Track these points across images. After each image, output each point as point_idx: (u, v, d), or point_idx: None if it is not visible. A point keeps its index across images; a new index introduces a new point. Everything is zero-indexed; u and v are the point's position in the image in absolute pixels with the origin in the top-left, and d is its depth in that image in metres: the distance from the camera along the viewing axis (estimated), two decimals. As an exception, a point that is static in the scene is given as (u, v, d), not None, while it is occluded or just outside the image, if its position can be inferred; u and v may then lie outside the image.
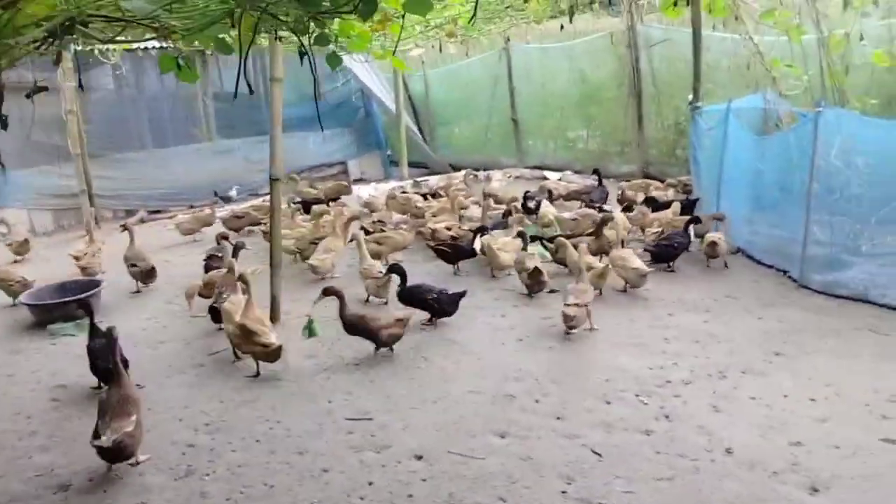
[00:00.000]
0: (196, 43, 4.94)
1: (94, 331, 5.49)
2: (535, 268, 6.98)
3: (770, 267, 7.66)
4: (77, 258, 8.75)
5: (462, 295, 6.48)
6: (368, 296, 7.38)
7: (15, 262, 9.93)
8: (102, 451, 4.14)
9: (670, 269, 7.79)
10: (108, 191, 13.34)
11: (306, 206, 11.17)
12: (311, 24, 4.25)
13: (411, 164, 16.08)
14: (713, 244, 7.66)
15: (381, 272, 7.20)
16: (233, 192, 14.11)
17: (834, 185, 6.87)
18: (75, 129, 11.64)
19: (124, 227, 9.22)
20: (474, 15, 4.85)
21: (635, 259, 7.05)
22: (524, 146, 15.06)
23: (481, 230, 8.00)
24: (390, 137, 16.46)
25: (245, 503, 3.95)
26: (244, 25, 3.29)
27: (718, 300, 6.81)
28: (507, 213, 9.16)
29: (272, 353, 5.50)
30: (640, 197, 9.95)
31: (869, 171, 6.66)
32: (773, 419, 4.49)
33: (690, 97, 9.70)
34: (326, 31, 4.64)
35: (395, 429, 4.67)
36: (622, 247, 7.80)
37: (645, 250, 7.97)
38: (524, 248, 7.37)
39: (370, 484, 4.05)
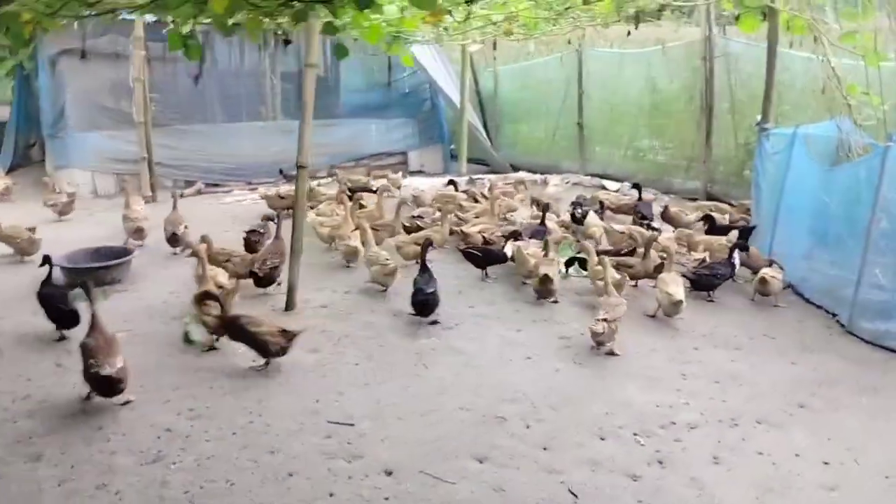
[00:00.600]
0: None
1: (48, 279, 6.12)
2: (545, 275, 6.75)
3: (820, 308, 7.12)
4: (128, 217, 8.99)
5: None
6: (373, 280, 7.38)
7: (59, 221, 10.28)
8: (101, 382, 4.60)
9: (710, 300, 7.35)
10: (171, 160, 13.62)
11: (353, 192, 11.13)
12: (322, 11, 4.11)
13: (473, 161, 15.87)
14: (764, 281, 7.16)
15: (387, 259, 7.18)
16: (291, 172, 14.21)
17: (900, 225, 6.32)
18: (141, 97, 11.92)
19: (176, 196, 9.54)
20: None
21: (676, 285, 6.65)
22: (588, 152, 14.61)
23: (514, 235, 7.75)
24: (454, 132, 16.26)
25: (201, 498, 3.87)
26: (216, 5, 3.16)
27: (754, 338, 6.36)
28: (543, 219, 8.79)
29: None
30: (687, 216, 9.50)
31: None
32: (776, 480, 4.10)
33: (759, 117, 9.15)
34: (335, 20, 4.49)
35: (373, 439, 4.51)
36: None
37: (683, 276, 7.53)
38: (545, 254, 7.14)
39: (331, 495, 3.91)
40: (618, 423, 4.72)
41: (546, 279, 6.77)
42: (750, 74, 11.10)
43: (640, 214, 9.88)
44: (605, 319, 5.70)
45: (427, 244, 7.12)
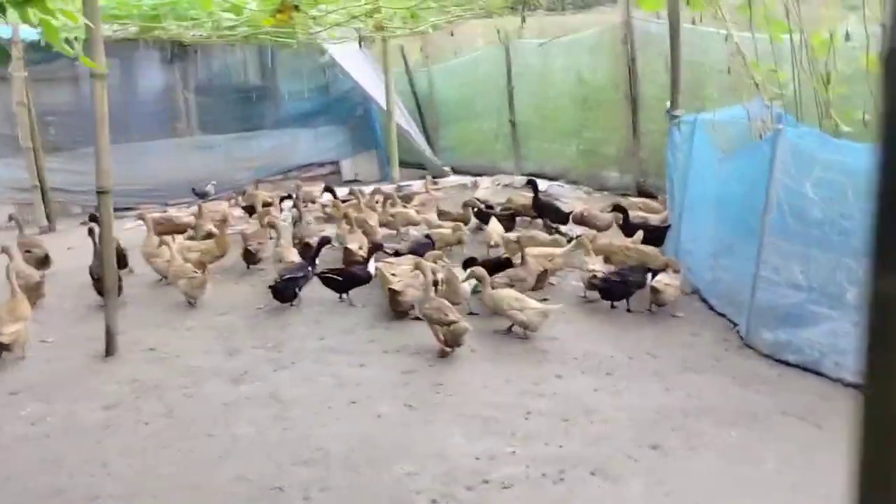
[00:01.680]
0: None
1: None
2: (391, 289, 5.97)
3: (722, 317, 6.31)
4: None
5: None
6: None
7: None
8: None
9: (627, 310, 6.54)
10: (77, 186, 12.87)
11: (249, 209, 10.35)
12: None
13: (409, 166, 15.08)
14: (655, 290, 6.35)
15: (194, 272, 6.89)
16: (209, 188, 13.44)
17: (801, 214, 5.49)
18: (26, 121, 11.14)
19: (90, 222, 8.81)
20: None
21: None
22: (523, 151, 13.80)
23: (375, 248, 6.95)
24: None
25: None
26: None
27: (633, 359, 5.54)
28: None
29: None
30: (604, 216, 8.69)
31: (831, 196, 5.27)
32: (580, 560, 3.29)
33: (668, 104, 8.34)
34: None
35: (113, 525, 3.71)
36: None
37: (590, 282, 6.71)
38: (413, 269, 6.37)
39: None
40: (418, 487, 3.90)
41: (393, 294, 5.99)
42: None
43: (536, 214, 9.09)
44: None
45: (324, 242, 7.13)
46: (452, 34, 14.01)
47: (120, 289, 6.71)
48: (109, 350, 5.92)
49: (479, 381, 5.19)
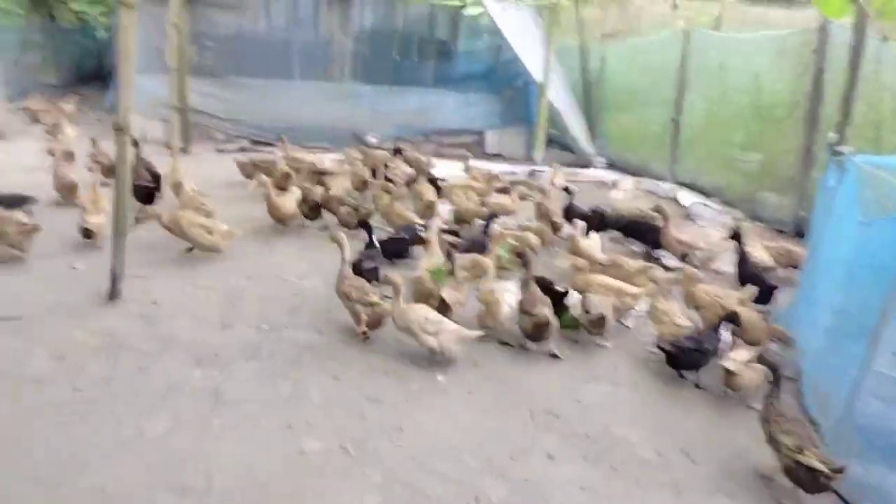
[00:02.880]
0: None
1: None
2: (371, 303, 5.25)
3: (807, 414, 4.83)
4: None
5: None
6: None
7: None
8: None
9: (696, 385, 5.26)
10: (224, 113, 13.16)
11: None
12: None
13: (565, 148, 13.97)
14: (729, 373, 4.97)
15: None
16: (371, 138, 13.19)
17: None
18: (175, 42, 11.36)
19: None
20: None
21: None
22: (679, 155, 12.12)
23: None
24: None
25: None
26: None
27: (661, 455, 4.31)
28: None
29: None
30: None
31: None
32: None
33: (832, 135, 6.63)
34: None
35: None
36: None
37: (658, 347, 5.44)
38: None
39: None
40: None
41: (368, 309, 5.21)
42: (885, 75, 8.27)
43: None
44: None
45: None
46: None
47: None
48: (113, 294, 5.65)
49: (448, 435, 4.26)
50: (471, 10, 13.48)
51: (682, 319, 5.60)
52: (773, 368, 4.28)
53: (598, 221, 8.10)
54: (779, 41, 9.75)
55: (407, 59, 14.28)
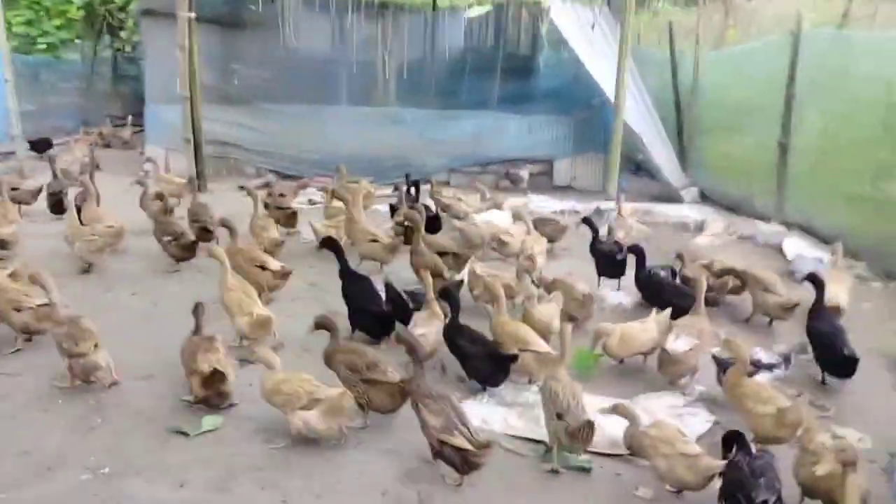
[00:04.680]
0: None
1: None
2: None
3: None
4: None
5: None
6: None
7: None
8: None
9: None
10: (255, 144, 11.87)
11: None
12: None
13: (652, 179, 11.68)
14: None
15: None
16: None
17: None
18: (185, 67, 10.10)
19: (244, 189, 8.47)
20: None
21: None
22: (790, 190, 9.44)
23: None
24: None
25: None
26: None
27: None
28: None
29: None
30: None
31: None
32: None
33: None
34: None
35: None
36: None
37: None
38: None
39: None
40: None
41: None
42: None
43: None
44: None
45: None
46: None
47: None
48: None
49: None
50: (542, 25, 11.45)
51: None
52: (412, 349, 3.98)
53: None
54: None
55: (457, 78, 12.42)
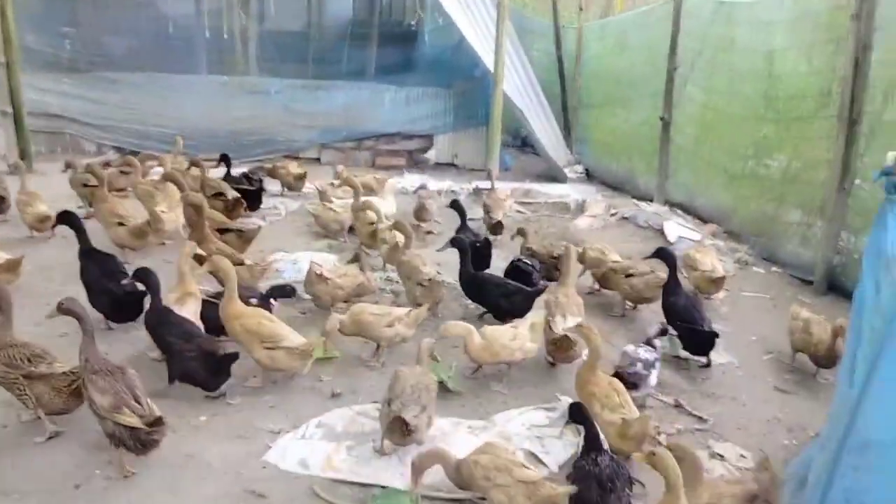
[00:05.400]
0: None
1: None
2: None
3: None
4: None
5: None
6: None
7: None
8: None
9: None
10: (94, 118, 10.44)
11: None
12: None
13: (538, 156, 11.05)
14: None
15: None
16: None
17: None
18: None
19: (68, 165, 7.61)
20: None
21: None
22: (671, 168, 9.04)
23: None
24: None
25: None
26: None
27: None
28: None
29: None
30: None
31: None
32: None
33: (892, 156, 3.61)
34: None
35: None
36: None
37: None
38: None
39: None
40: None
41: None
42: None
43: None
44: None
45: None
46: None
47: None
48: None
49: None
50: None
51: None
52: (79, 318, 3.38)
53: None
54: (793, 5, 6.70)
55: (327, 46, 11.39)
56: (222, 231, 5.86)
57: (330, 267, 5.37)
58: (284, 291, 4.77)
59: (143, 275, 4.12)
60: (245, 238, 6.01)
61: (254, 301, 4.53)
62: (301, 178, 8.69)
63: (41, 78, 9.93)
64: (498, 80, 9.92)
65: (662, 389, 4.37)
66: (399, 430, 3.41)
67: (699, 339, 4.72)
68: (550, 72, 11.97)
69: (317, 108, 10.98)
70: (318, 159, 11.05)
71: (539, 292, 4.68)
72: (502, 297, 5.01)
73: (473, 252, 5.61)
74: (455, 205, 6.48)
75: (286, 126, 10.87)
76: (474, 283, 5.17)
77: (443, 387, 4.12)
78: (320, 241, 7.00)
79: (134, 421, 3.09)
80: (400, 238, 5.66)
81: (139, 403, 3.13)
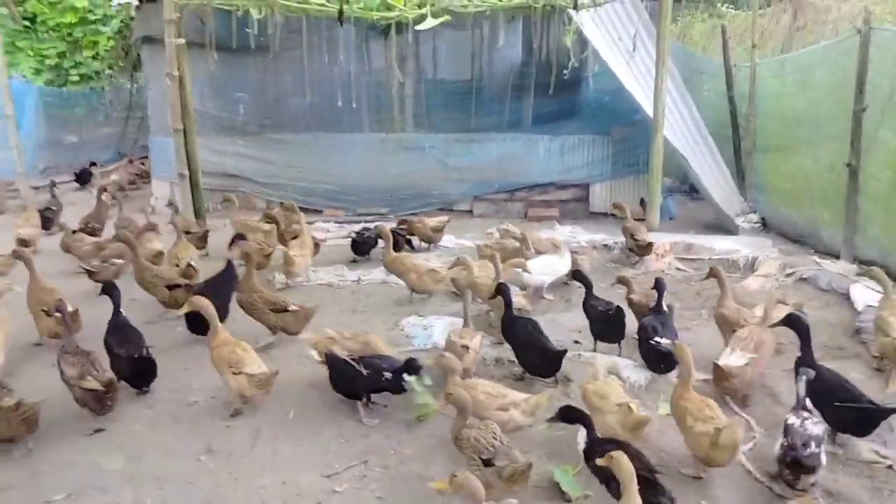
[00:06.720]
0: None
1: None
2: None
3: None
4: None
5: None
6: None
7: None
8: None
9: None
10: (264, 176, 11.10)
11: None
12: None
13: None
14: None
15: None
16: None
17: None
18: (176, 97, 9.33)
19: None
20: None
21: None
22: (861, 220, 7.85)
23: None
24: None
25: None
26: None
27: None
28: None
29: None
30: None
31: None
32: None
33: None
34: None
35: None
36: None
37: None
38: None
39: None
40: None
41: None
42: None
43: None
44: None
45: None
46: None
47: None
48: None
49: None
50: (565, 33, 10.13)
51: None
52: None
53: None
54: None
55: (479, 100, 11.32)
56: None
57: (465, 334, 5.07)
58: (415, 368, 4.54)
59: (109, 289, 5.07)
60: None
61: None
62: (438, 230, 8.72)
63: (218, 141, 10.69)
64: (658, 126, 9.25)
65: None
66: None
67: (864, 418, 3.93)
68: (722, 113, 11.06)
69: (470, 161, 10.93)
70: (470, 211, 10.96)
71: None
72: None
73: (605, 321, 5.15)
74: (578, 275, 5.99)
75: (440, 180, 10.92)
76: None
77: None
78: (455, 304, 6.75)
79: (94, 384, 4.20)
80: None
81: (98, 372, 4.27)
